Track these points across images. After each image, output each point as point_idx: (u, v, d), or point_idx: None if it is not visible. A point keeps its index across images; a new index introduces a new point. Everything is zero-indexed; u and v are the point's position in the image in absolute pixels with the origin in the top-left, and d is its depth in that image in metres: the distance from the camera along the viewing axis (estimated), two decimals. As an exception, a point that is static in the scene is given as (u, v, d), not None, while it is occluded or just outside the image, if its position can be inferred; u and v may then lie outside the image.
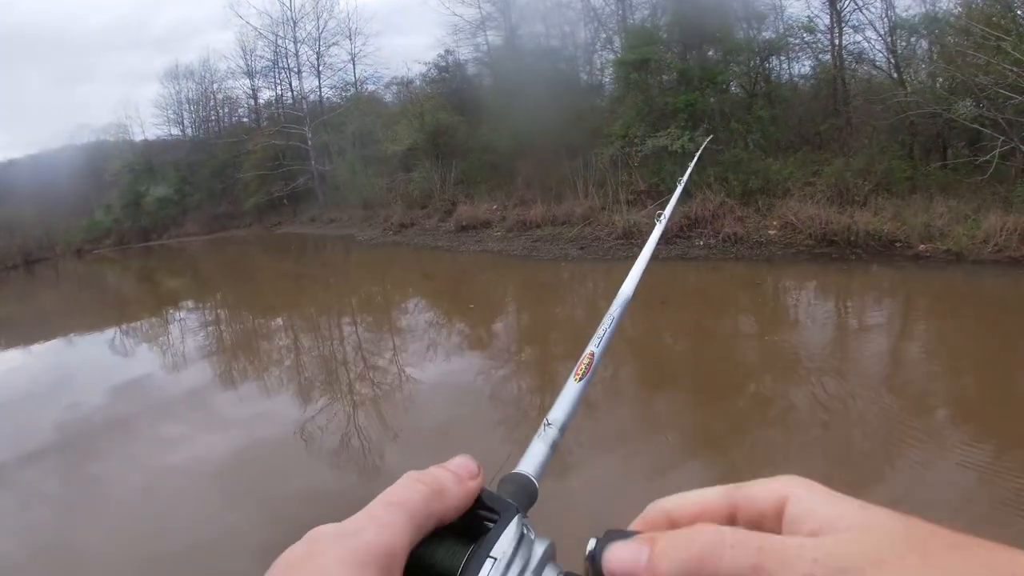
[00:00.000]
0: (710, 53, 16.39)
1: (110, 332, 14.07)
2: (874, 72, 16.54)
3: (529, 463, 0.61)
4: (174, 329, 14.00)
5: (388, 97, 33.50)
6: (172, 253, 31.41)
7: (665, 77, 16.23)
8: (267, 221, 33.66)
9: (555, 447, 0.65)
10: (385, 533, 0.40)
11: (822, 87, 17.24)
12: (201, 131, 39.45)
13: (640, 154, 15.15)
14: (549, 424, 0.67)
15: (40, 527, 5.47)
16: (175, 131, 40.06)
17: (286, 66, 34.63)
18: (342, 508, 0.45)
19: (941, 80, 13.83)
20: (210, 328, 13.95)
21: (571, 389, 0.73)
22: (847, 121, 15.81)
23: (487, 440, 5.84)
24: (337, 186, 29.75)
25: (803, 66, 17.94)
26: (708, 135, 14.00)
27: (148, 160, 37.76)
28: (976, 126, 12.39)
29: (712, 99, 15.20)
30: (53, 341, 14.19)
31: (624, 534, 0.41)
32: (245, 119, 38.41)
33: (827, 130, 16.12)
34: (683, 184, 2.24)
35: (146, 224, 36.38)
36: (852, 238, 11.44)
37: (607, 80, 22.49)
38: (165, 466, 6.27)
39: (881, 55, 16.01)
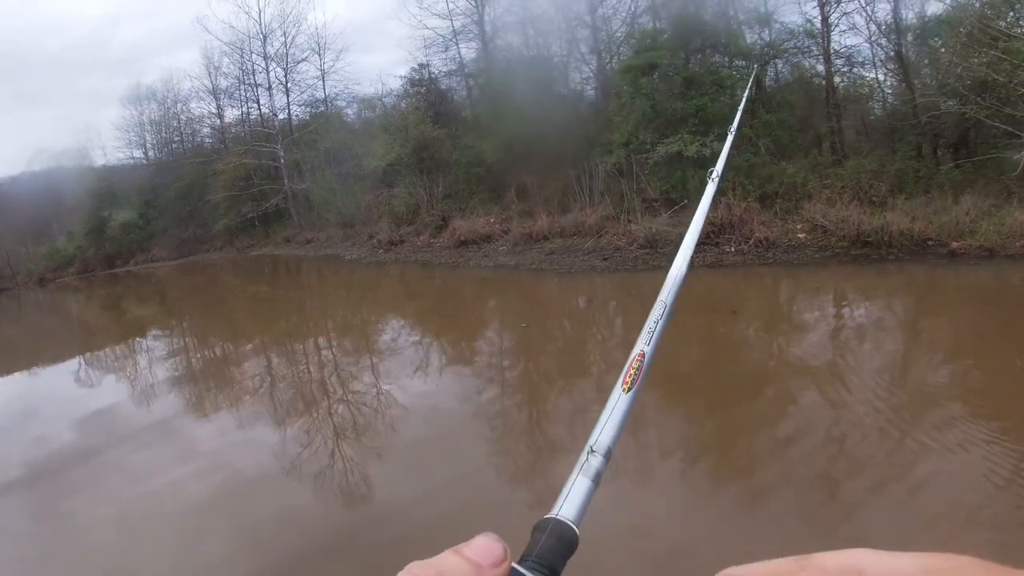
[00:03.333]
0: (715, 58, 16.20)
1: (76, 363, 13.49)
2: (869, 75, 16.64)
3: (568, 504, 0.53)
4: (145, 359, 13.27)
5: (350, 114, 33.20)
6: (139, 280, 30.14)
7: (661, 84, 15.96)
8: (239, 244, 32.53)
9: (599, 479, 0.57)
10: None
11: (814, 91, 17.25)
12: (165, 153, 38.14)
13: (650, 161, 14.81)
14: (593, 451, 0.59)
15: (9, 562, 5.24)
16: (137, 154, 38.73)
17: (253, 83, 33.67)
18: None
19: (951, 80, 13.76)
20: (202, 361, 13.03)
21: (617, 402, 0.64)
22: (839, 124, 15.81)
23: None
24: (312, 205, 28.93)
25: (793, 71, 17.92)
26: (720, 139, 13.78)
27: (110, 184, 36.32)
28: (996, 123, 12.30)
29: (718, 103, 14.93)
30: (18, 374, 13.65)
31: None
32: (209, 140, 37.25)
33: (826, 133, 16.12)
34: (734, 133, 2.08)
35: (111, 250, 34.85)
36: (886, 238, 11.22)
37: (590, 89, 22.37)
38: (138, 498, 6.05)
39: (868, 54, 16.17)
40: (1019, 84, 11.70)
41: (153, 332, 16.20)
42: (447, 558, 0.39)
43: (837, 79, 16.40)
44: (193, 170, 33.98)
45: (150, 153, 38.67)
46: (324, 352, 11.63)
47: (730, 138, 2.01)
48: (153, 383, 10.67)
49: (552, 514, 0.52)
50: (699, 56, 16.10)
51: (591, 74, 22.35)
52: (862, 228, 11.43)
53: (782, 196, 13.39)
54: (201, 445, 7.43)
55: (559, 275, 13.80)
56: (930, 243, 11.17)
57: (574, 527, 0.51)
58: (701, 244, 12.78)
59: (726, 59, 16.29)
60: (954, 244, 11.03)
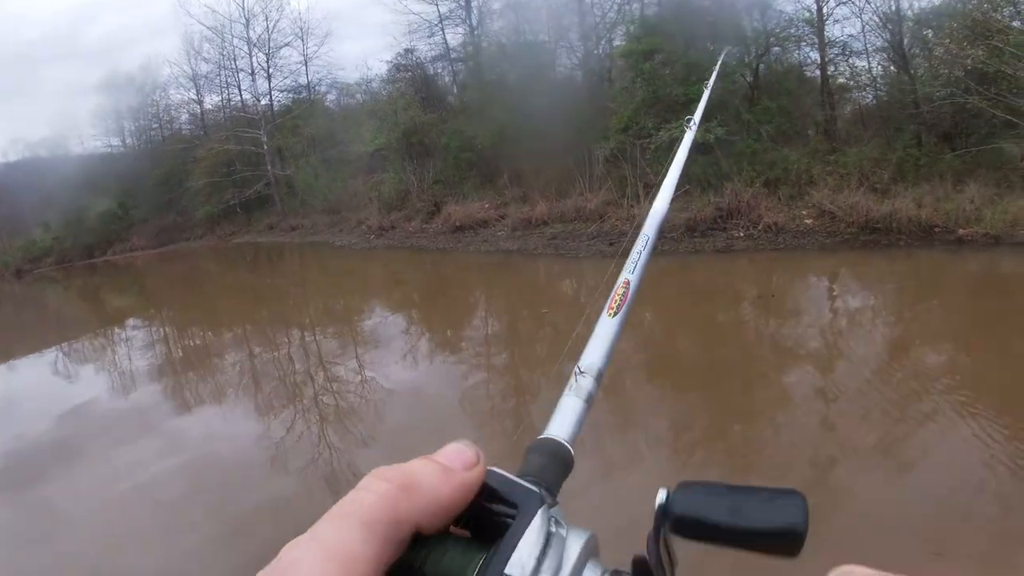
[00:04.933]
0: (715, 46, 16.10)
1: (53, 355, 13.10)
2: (862, 64, 16.68)
3: (560, 424, 0.53)
4: (124, 349, 12.90)
5: (331, 100, 32.95)
6: (118, 270, 29.56)
7: (663, 69, 15.83)
8: (220, 231, 31.99)
9: (591, 401, 0.57)
10: (327, 566, 0.30)
11: (807, 79, 17.30)
12: (143, 141, 37.31)
13: (652, 146, 14.69)
14: (582, 372, 0.59)
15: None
16: (115, 142, 37.89)
17: (235, 68, 33.03)
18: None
19: (944, 71, 13.81)
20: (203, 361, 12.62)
21: (605, 328, 0.66)
22: (832, 112, 15.89)
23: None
24: (296, 192, 28.50)
25: (786, 59, 17.93)
26: (722, 126, 13.74)
27: (88, 173, 35.38)
28: (998, 113, 12.34)
29: (719, 89, 14.85)
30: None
31: (698, 484, 0.38)
32: (188, 127, 36.52)
33: (820, 121, 16.12)
34: (710, 89, 2.18)
35: (89, 240, 33.98)
36: (894, 225, 11.24)
37: (580, 74, 22.17)
38: (117, 489, 5.93)
39: (861, 44, 16.21)
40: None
41: (133, 322, 15.79)
42: (415, 462, 0.37)
43: (831, 68, 16.49)
44: (173, 157, 33.35)
45: (128, 141, 37.93)
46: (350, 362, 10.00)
47: (707, 92, 2.13)
48: (133, 373, 10.39)
49: (545, 434, 0.51)
50: (697, 43, 15.96)
51: (578, 60, 22.18)
52: (870, 215, 11.44)
53: (785, 182, 13.37)
54: (183, 434, 7.31)
55: (566, 260, 13.61)
56: (937, 230, 11.19)
57: (569, 446, 0.50)
58: (710, 229, 12.78)
59: (725, 46, 16.17)
60: (961, 231, 11.06)
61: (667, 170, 1.24)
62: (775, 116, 15.00)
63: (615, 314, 0.68)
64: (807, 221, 12.15)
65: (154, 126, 37.34)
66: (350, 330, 11.63)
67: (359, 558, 0.31)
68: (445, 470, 0.37)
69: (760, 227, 12.20)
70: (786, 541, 0.36)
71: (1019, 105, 11.95)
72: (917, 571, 0.29)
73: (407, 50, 26.08)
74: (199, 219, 32.43)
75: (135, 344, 13.04)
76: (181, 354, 12.02)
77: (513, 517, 0.36)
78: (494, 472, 0.39)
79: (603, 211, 14.72)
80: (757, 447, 5.29)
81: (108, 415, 8.47)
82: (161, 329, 15.02)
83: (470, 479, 0.37)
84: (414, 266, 16.85)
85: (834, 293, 10.22)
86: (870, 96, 17.00)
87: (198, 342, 12.94)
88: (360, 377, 8.39)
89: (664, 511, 0.37)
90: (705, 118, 10.68)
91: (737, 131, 14.47)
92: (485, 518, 0.37)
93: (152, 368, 10.66)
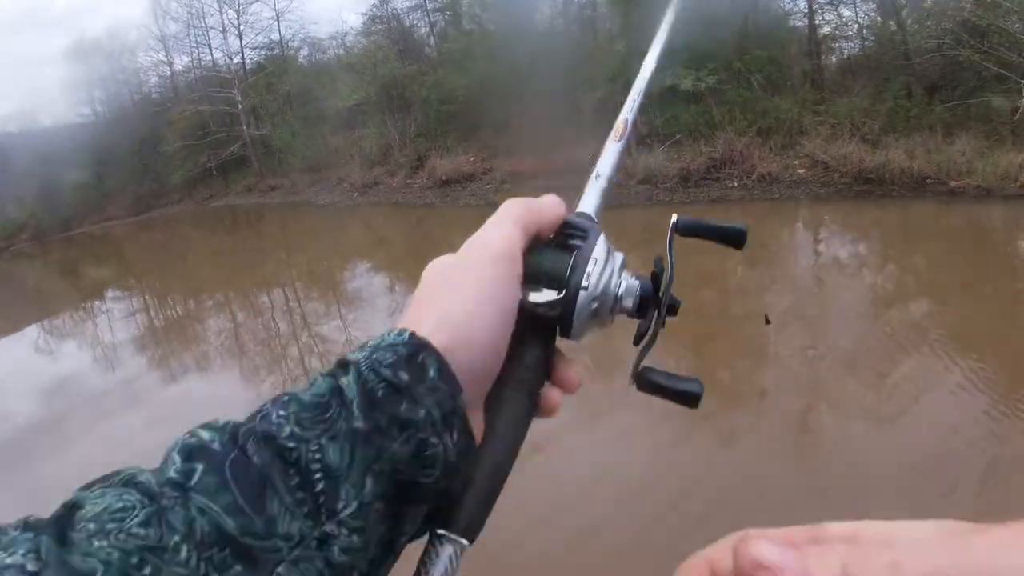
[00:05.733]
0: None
1: (34, 331, 13.03)
2: (848, 13, 16.47)
3: (588, 205, 0.65)
4: (106, 321, 12.84)
5: (304, 56, 32.06)
6: (95, 241, 28.97)
7: (652, 14, 15.45)
8: (197, 196, 31.25)
9: (605, 195, 0.68)
10: (506, 240, 0.51)
11: (793, 29, 17.06)
12: (114, 108, 36.06)
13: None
14: (599, 175, 0.71)
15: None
16: (86, 111, 36.56)
17: (204, 26, 31.86)
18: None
19: (930, 23, 13.69)
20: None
21: (612, 147, 0.76)
22: (819, 62, 15.81)
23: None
24: (273, 151, 27.88)
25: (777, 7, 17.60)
26: (713, 74, 13.54)
27: (59, 145, 34.12)
28: (989, 66, 12.25)
29: (711, 38, 14.60)
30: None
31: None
32: (159, 90, 35.38)
33: (808, 71, 15.95)
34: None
35: (65, 213, 32.87)
36: (887, 176, 11.21)
37: (562, 21, 21.65)
38: (109, 460, 5.74)
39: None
40: (1021, 32, 11.73)
41: (113, 293, 15.58)
42: (535, 199, 0.55)
43: (818, 18, 16.31)
44: (145, 123, 32.37)
45: (98, 109, 36.59)
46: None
47: None
48: (117, 345, 10.39)
49: (577, 210, 0.63)
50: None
51: (559, 7, 21.63)
52: (863, 165, 11.42)
53: (776, 132, 13.27)
54: (172, 404, 7.34)
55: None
56: (929, 181, 11.22)
57: (595, 218, 0.62)
58: (703, 179, 12.69)
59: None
60: (953, 183, 11.08)
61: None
62: (765, 65, 14.79)
63: (619, 140, 0.76)
64: (800, 171, 12.11)
65: (124, 91, 36.11)
66: (335, 293, 11.44)
67: (516, 240, 0.51)
68: (551, 204, 0.55)
69: (754, 177, 12.15)
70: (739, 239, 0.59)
71: (1010, 59, 11.88)
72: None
73: (382, 1, 25.40)
74: (175, 184, 31.52)
75: (116, 315, 12.90)
76: (163, 323, 11.88)
77: (583, 239, 0.54)
78: (569, 214, 0.57)
79: (595, 162, 14.48)
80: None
81: (93, 387, 8.51)
82: (142, 298, 14.85)
83: (562, 212, 0.56)
84: (400, 223, 16.60)
85: (829, 242, 10.24)
86: (856, 46, 16.85)
87: (180, 310, 12.80)
88: (345, 338, 8.36)
89: (674, 224, 0.58)
90: (695, 67, 10.49)
91: (728, 80, 14.27)
92: (565, 242, 0.55)
93: (135, 338, 10.65)
